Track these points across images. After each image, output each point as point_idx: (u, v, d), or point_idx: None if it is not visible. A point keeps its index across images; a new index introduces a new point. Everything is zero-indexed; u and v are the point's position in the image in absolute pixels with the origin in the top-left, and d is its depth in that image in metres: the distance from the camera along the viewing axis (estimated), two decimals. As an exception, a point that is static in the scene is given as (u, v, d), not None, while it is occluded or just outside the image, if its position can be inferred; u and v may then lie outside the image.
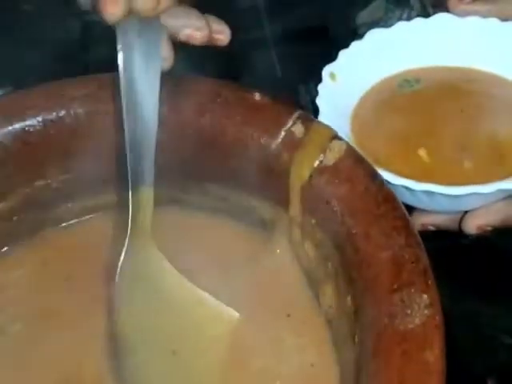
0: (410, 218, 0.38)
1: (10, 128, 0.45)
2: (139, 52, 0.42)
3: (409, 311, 0.34)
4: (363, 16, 0.67)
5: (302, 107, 0.45)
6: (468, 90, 0.53)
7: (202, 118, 0.44)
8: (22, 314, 0.44)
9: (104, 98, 0.45)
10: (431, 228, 0.49)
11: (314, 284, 0.43)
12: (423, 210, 0.49)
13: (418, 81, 0.54)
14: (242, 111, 0.44)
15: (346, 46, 0.54)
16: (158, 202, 0.42)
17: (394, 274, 0.36)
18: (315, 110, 0.50)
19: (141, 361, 0.40)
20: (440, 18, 0.55)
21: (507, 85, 0.53)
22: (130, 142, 0.41)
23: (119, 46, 0.42)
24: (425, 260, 0.36)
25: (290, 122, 0.42)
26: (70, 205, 0.48)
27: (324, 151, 0.41)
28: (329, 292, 0.41)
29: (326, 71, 0.52)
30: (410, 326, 0.34)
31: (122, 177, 0.42)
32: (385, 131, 0.51)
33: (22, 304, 0.45)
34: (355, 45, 0.54)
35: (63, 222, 0.49)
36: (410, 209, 0.47)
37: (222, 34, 0.46)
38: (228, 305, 0.42)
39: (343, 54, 0.53)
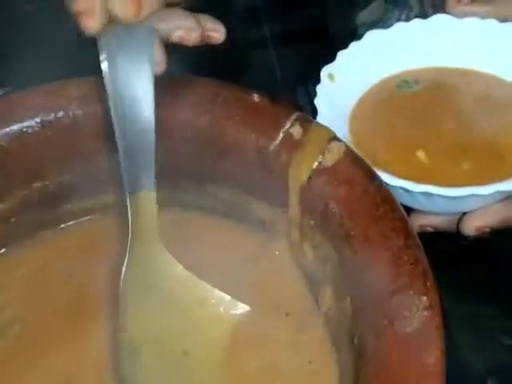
0: (408, 219, 0.38)
1: (8, 129, 0.45)
2: (126, 59, 0.41)
3: (408, 313, 0.34)
4: (362, 16, 0.67)
5: (300, 108, 0.45)
6: (467, 91, 0.53)
7: (200, 119, 0.44)
8: (22, 315, 0.44)
9: (103, 99, 0.45)
10: (429, 229, 0.49)
11: (313, 285, 0.43)
12: (421, 212, 0.49)
13: (416, 82, 0.54)
14: (241, 112, 0.44)
15: (346, 46, 0.54)
16: (157, 203, 0.42)
17: (392, 276, 0.36)
18: (314, 111, 0.50)
19: (149, 362, 0.40)
20: (438, 19, 0.55)
21: (506, 86, 0.53)
22: (124, 150, 0.40)
23: (103, 56, 0.41)
24: (424, 262, 0.36)
25: (289, 124, 0.42)
26: (68, 206, 0.48)
27: (323, 152, 0.41)
28: (328, 293, 0.41)
29: (325, 72, 0.52)
30: (409, 327, 0.34)
31: (121, 178, 0.42)
32: (383, 132, 0.51)
33: (21, 305, 0.45)
34: (354, 45, 0.54)
35: (62, 224, 0.49)
36: (408, 210, 0.47)
37: (216, 32, 0.46)
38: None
39: (342, 55, 0.53)
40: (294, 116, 0.43)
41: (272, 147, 0.42)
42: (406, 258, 0.36)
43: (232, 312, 0.42)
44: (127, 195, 0.41)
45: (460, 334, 0.48)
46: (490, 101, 0.52)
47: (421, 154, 0.49)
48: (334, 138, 0.42)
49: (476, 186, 0.45)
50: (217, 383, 0.40)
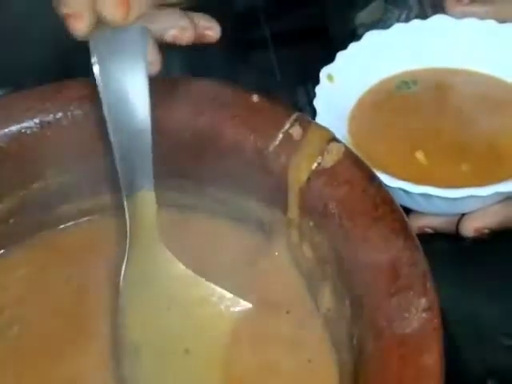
0: (408, 220, 0.38)
1: (7, 130, 0.44)
2: (118, 60, 0.41)
3: (407, 314, 0.34)
4: (362, 17, 0.67)
5: (300, 108, 0.45)
6: (466, 92, 0.53)
7: (199, 119, 0.44)
8: (22, 315, 0.44)
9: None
10: (428, 230, 0.49)
11: (312, 286, 0.43)
12: (420, 213, 0.49)
13: (415, 82, 0.54)
14: (240, 113, 0.43)
15: (345, 47, 0.54)
16: (157, 203, 0.42)
17: (392, 277, 0.36)
18: (313, 112, 0.50)
19: (149, 362, 0.40)
20: (437, 19, 0.55)
21: (505, 86, 0.53)
22: (120, 152, 0.40)
23: (94, 59, 0.41)
24: (423, 263, 0.36)
25: (288, 124, 0.42)
26: (67, 207, 0.48)
27: (322, 153, 0.41)
28: (327, 294, 0.41)
29: (324, 73, 0.52)
30: (408, 329, 0.34)
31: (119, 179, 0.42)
32: (382, 133, 0.51)
33: (21, 305, 0.45)
34: (353, 46, 0.54)
35: (61, 224, 0.49)
36: (407, 211, 0.47)
37: (210, 31, 0.46)
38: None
39: (341, 56, 0.53)
40: (294, 117, 0.42)
41: (271, 148, 0.42)
42: (405, 259, 0.36)
43: (233, 310, 0.42)
44: (124, 197, 0.41)
45: (460, 334, 0.48)
46: (488, 102, 0.52)
47: (420, 155, 0.49)
48: (334, 139, 0.42)
49: (475, 188, 0.45)
50: (217, 382, 0.40)
